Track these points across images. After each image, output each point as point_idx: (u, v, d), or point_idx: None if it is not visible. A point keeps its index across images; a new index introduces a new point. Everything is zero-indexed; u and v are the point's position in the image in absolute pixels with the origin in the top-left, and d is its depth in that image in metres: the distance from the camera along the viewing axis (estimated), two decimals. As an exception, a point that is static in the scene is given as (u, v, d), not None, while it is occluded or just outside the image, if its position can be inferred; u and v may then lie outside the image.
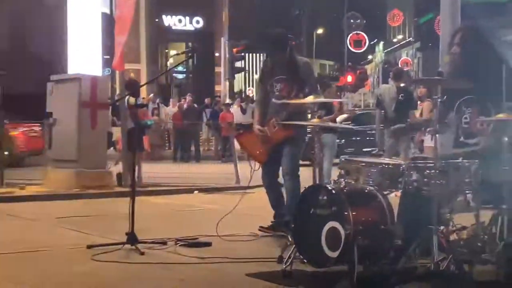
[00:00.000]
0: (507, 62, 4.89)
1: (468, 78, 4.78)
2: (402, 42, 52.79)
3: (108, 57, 12.54)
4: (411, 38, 49.50)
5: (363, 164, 4.72)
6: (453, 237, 4.84)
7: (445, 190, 4.37)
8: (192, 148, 19.74)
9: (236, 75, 28.22)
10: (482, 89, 4.75)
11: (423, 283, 4.09)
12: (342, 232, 4.24)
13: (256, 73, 41.54)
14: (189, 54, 7.48)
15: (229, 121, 18.74)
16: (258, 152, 6.21)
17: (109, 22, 11.02)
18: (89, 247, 5.43)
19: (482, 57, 4.86)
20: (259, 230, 6.08)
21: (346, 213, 4.27)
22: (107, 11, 10.94)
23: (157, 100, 20.37)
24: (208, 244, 5.59)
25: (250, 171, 6.37)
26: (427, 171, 4.36)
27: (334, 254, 4.27)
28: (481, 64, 4.82)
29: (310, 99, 5.29)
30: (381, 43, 55.67)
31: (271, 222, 6.13)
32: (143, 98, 18.67)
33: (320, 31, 54.86)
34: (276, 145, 6.07)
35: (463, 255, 4.45)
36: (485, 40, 5.11)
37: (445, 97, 4.99)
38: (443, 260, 4.16)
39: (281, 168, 6.12)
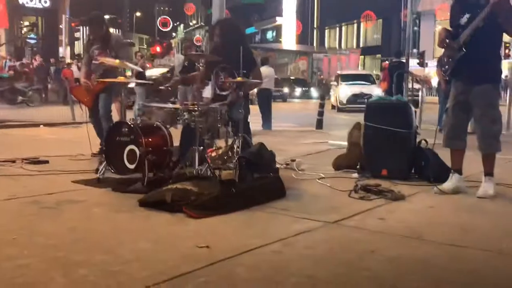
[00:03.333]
0: (246, 46, 5.28)
1: (221, 54, 5.11)
2: (196, 26, 53.85)
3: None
4: (201, 23, 50.20)
5: (154, 108, 4.75)
6: (212, 154, 5.27)
7: (204, 125, 4.54)
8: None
9: (75, 42, 26.69)
10: (231, 61, 5.06)
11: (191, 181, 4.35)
12: (138, 152, 4.35)
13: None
14: (32, 27, 6.99)
15: (68, 76, 17.76)
16: (86, 99, 6.13)
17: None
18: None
19: (231, 41, 5.06)
20: (92, 155, 5.89)
21: (140, 140, 4.36)
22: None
23: (13, 59, 18.72)
24: (46, 162, 5.49)
25: (81, 112, 6.27)
26: (194, 113, 4.46)
27: (132, 166, 4.40)
28: (230, 45, 4.99)
29: (116, 62, 5.28)
30: (182, 25, 56.53)
31: (99, 147, 5.90)
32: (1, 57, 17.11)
33: (138, 14, 54.45)
34: (96, 94, 6.05)
35: (217, 164, 4.71)
36: (233, 30, 5.46)
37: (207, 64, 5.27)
38: (203, 169, 4.35)
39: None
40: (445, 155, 4.69)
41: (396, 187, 4.39)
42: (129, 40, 8.95)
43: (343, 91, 19.34)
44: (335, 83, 21.12)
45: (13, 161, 5.42)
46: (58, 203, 3.83)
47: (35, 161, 5.45)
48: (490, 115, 4.26)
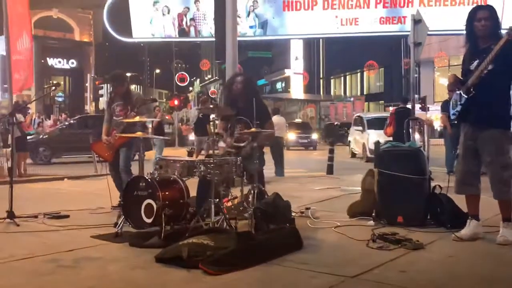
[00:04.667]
0: (257, 97, 5.17)
1: (235, 106, 4.99)
2: (211, 80, 55.03)
3: (6, 86, 11.48)
4: (216, 77, 51.25)
5: (171, 161, 4.58)
6: (228, 203, 5.05)
7: (219, 176, 4.39)
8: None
9: (99, 99, 27.19)
10: (245, 113, 4.96)
11: (206, 234, 4.16)
12: (155, 206, 4.18)
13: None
14: (53, 87, 7.15)
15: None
16: (106, 154, 5.99)
17: (4, 62, 10.19)
18: (-23, 222, 4.92)
19: (247, 94, 4.98)
20: (112, 208, 5.65)
21: (157, 193, 4.20)
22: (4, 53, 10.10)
23: (42, 116, 18.97)
24: (67, 216, 5.28)
25: (102, 166, 6.15)
26: (209, 165, 4.33)
27: (149, 220, 4.21)
28: (246, 98, 4.92)
29: (136, 118, 5.19)
30: (198, 80, 58.05)
31: (119, 200, 5.82)
32: (30, 114, 17.33)
33: (158, 70, 56.10)
34: (117, 149, 5.92)
35: (232, 215, 4.54)
36: (249, 84, 5.36)
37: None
38: (219, 220, 4.20)
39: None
40: (459, 198, 4.40)
41: (413, 235, 4.09)
42: (151, 97, 8.94)
43: (373, 138, 13.47)
44: (358, 127, 16.74)
45: (35, 216, 5.23)
46: (75, 260, 3.59)
47: (56, 216, 5.26)
48: (499, 161, 3.97)
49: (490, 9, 4.06)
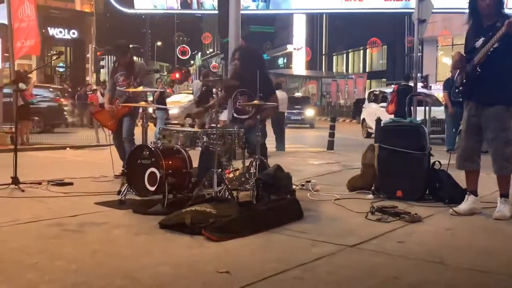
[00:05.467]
0: (264, 71, 5.15)
1: (240, 79, 4.98)
2: (212, 54, 54.46)
3: (7, 54, 11.36)
4: (218, 51, 50.75)
5: (174, 131, 4.63)
6: (229, 175, 5.10)
7: (222, 147, 4.41)
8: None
9: (101, 70, 27.03)
10: (249, 86, 4.94)
11: (209, 203, 4.21)
12: (158, 174, 4.23)
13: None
14: (56, 56, 7.12)
15: (94, 101, 17.81)
16: (109, 123, 6.02)
17: (6, 31, 10.06)
18: (-18, 186, 4.97)
19: (251, 66, 4.91)
20: (114, 176, 5.69)
21: (161, 162, 4.24)
22: (6, 22, 9.95)
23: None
24: (71, 184, 5.34)
25: (105, 136, 6.20)
26: (212, 136, 4.36)
27: (153, 188, 4.27)
28: (249, 70, 4.86)
29: (139, 88, 5.19)
30: (199, 53, 57.49)
31: (122, 169, 5.84)
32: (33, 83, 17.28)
33: (159, 43, 55.50)
34: (120, 118, 5.94)
35: (234, 186, 4.54)
36: (253, 56, 5.32)
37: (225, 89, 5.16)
38: (221, 190, 4.23)
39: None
40: (458, 176, 4.46)
41: (412, 209, 4.16)
42: (153, 68, 8.88)
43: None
44: (374, 103, 14.88)
45: (39, 183, 5.29)
46: (80, 225, 3.66)
47: (60, 183, 5.31)
48: (502, 137, 4.02)
49: None
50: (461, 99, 4.28)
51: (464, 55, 4.18)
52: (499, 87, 3.98)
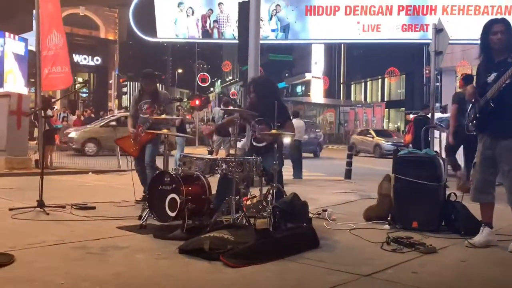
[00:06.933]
0: (279, 100, 5.30)
1: (256, 109, 5.13)
2: (232, 81, 55.26)
3: (33, 80, 11.84)
4: (237, 79, 51.52)
5: (194, 158, 4.72)
6: (247, 202, 5.19)
7: (240, 175, 4.47)
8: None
9: (123, 96, 27.68)
10: (266, 115, 5.07)
11: (227, 229, 4.31)
12: (178, 200, 4.33)
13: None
14: (83, 84, 7.42)
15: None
16: (132, 149, 6.20)
17: (34, 56, 10.50)
18: (10, 209, 5.23)
19: (266, 97, 5.08)
20: (135, 201, 5.89)
21: (181, 188, 4.35)
22: (33, 49, 10.43)
23: (67, 111, 19.47)
24: (93, 208, 5.52)
25: (126, 161, 6.37)
26: (231, 163, 4.45)
27: (173, 214, 4.36)
28: (265, 100, 5.03)
29: (162, 116, 5.37)
30: (219, 80, 58.46)
31: (143, 194, 5.89)
32: (57, 109, 17.85)
33: (180, 70, 56.59)
34: (143, 145, 6.13)
35: (252, 213, 4.60)
36: (267, 86, 5.48)
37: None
38: (239, 217, 4.31)
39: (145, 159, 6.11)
40: (474, 207, 4.50)
41: (427, 240, 4.20)
42: (178, 96, 9.17)
43: None
44: None
45: (63, 207, 5.48)
46: (103, 248, 3.80)
47: (83, 207, 5.49)
48: None
49: (506, 23, 4.14)
50: (475, 133, 4.35)
51: (476, 88, 4.28)
52: (511, 121, 4.06)
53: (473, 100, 4.29)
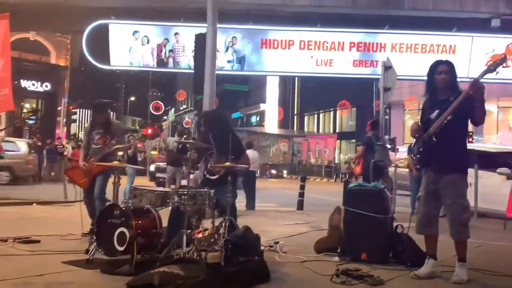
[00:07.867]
0: (233, 133, 5.35)
1: (209, 144, 5.16)
2: (186, 110, 55.36)
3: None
4: (191, 107, 51.62)
5: (145, 190, 4.67)
6: (199, 235, 5.15)
7: (193, 208, 4.47)
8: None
9: (71, 124, 27.07)
10: (219, 149, 5.10)
11: (178, 264, 4.24)
12: (128, 234, 4.26)
13: (86, 123, 40.25)
14: (33, 112, 7.11)
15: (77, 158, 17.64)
16: (82, 181, 6.04)
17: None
18: None
19: (217, 130, 5.13)
20: (82, 234, 5.70)
21: (130, 222, 4.29)
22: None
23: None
24: (37, 241, 5.30)
25: (74, 193, 6.19)
26: (183, 196, 4.44)
27: (121, 248, 4.29)
28: (217, 134, 5.08)
29: (113, 147, 5.31)
30: (173, 109, 58.37)
31: (90, 227, 5.69)
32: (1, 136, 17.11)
33: (132, 98, 56.14)
34: (94, 176, 5.99)
35: (203, 247, 4.57)
36: (218, 120, 5.50)
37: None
38: (190, 251, 4.25)
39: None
40: (420, 238, 4.66)
41: (375, 272, 4.31)
42: (132, 127, 9.07)
43: None
44: None
45: (5, 240, 5.23)
46: (47, 284, 3.66)
47: (27, 241, 5.27)
48: (459, 203, 4.27)
49: (450, 64, 4.43)
50: (418, 167, 4.56)
51: (421, 125, 4.52)
52: (453, 155, 4.29)
53: (417, 135, 4.52)
